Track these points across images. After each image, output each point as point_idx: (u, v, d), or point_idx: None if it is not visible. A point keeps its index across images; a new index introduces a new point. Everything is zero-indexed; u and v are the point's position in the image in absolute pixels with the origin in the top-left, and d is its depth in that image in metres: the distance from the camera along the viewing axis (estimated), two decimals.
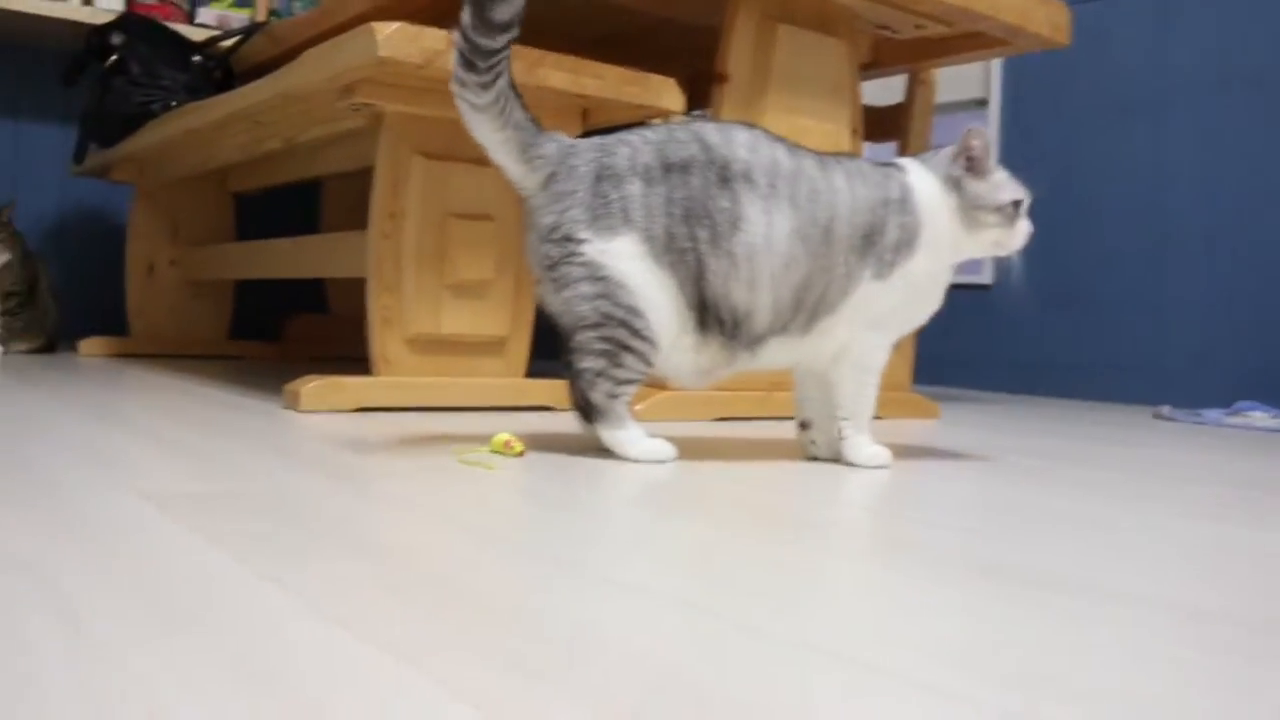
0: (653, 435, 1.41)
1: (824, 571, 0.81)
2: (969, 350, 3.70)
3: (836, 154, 1.46)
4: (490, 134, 1.36)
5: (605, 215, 1.34)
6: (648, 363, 1.37)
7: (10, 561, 0.71)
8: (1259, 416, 2.61)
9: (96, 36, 3.03)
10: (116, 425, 1.47)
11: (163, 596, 0.64)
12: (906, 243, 1.42)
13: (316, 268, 2.24)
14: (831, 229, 1.39)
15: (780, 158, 1.39)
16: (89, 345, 3.12)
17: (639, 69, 1.94)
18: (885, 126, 2.68)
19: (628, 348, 1.35)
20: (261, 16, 3.60)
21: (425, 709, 0.49)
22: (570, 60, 1.85)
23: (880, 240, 1.41)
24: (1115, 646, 0.64)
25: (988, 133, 1.45)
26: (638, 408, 1.53)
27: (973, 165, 1.44)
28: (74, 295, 3.50)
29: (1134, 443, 1.99)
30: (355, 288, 3.66)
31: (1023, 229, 1.46)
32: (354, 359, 3.48)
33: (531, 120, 1.37)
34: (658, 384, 1.96)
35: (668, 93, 1.96)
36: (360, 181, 3.50)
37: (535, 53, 1.80)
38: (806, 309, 1.40)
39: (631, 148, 1.37)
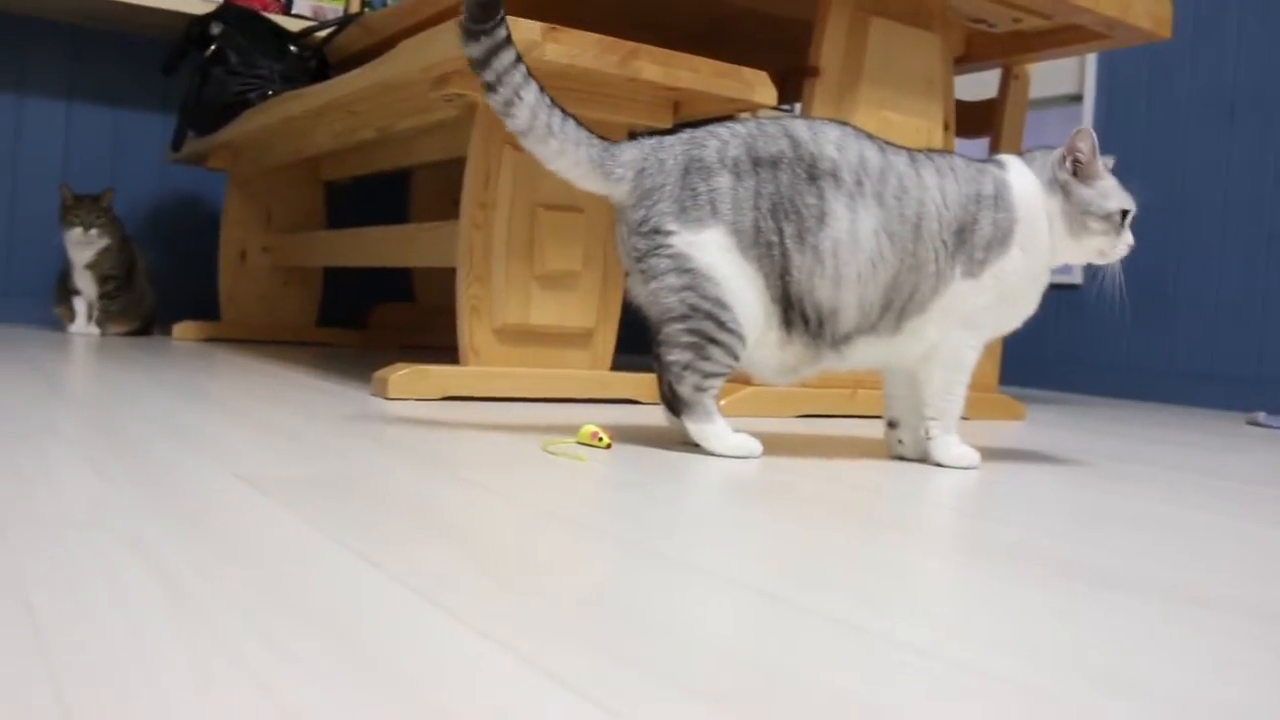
0: (737, 430, 1.41)
1: (911, 569, 0.80)
2: (1056, 351, 3.63)
3: (931, 151, 1.44)
4: (556, 157, 1.36)
5: (693, 207, 1.34)
6: (734, 356, 1.37)
7: (120, 539, 0.73)
8: None
9: (196, 26, 3.10)
10: (211, 408, 1.50)
11: (264, 577, 0.66)
12: (1000, 240, 1.40)
13: (406, 257, 2.27)
14: (921, 225, 1.37)
15: (869, 155, 1.38)
16: (182, 329, 3.19)
17: (731, 63, 1.93)
18: (977, 122, 2.64)
19: (714, 340, 1.34)
20: (355, 7, 3.65)
21: (523, 691, 0.49)
22: (663, 53, 1.85)
23: (972, 238, 1.39)
24: (1200, 651, 0.62)
25: (1095, 137, 1.42)
26: (721, 403, 1.53)
27: (1079, 169, 1.41)
28: (169, 280, 3.59)
29: (1226, 449, 1.94)
30: (440, 277, 3.70)
31: (1126, 239, 1.44)
32: (438, 348, 3.52)
33: (597, 137, 1.37)
34: (742, 379, 1.96)
35: (760, 86, 1.95)
36: (449, 172, 3.54)
37: (629, 45, 1.80)
38: (895, 308, 1.38)
39: (720, 141, 1.36)
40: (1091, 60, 3.55)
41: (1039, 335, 3.67)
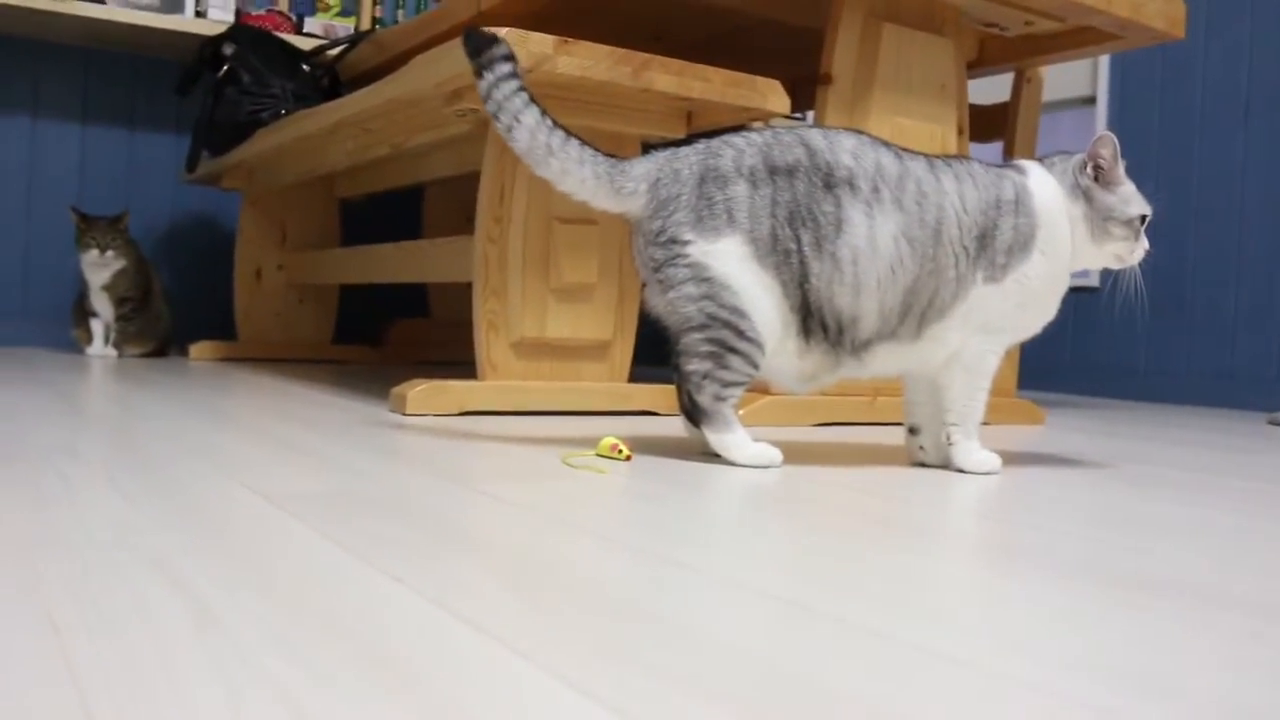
0: (756, 440, 1.40)
1: (934, 575, 0.79)
2: (1074, 355, 3.61)
3: (949, 156, 1.44)
4: (561, 178, 1.38)
5: (710, 217, 1.34)
6: (753, 364, 1.36)
7: (143, 558, 0.73)
8: None
9: (209, 47, 3.11)
10: (230, 427, 1.50)
11: (289, 594, 0.65)
12: (1021, 245, 1.39)
13: (421, 272, 2.27)
14: (940, 230, 1.37)
15: (885, 162, 1.37)
16: (199, 349, 3.20)
17: (743, 71, 1.93)
18: (991, 126, 2.64)
19: (733, 349, 1.34)
20: (366, 25, 3.66)
21: (551, 703, 0.48)
22: (676, 63, 1.84)
23: (993, 243, 1.38)
24: (1228, 654, 0.62)
25: (1117, 143, 1.42)
26: (740, 413, 1.52)
27: (1101, 174, 1.41)
28: (184, 301, 3.60)
29: (1248, 450, 1.92)
30: (455, 292, 3.70)
31: (1143, 244, 1.44)
32: (454, 363, 3.52)
33: (604, 154, 1.39)
34: (761, 389, 1.95)
35: (773, 95, 1.95)
36: (462, 186, 3.55)
37: (641, 56, 1.80)
38: (916, 314, 1.38)
39: (736, 150, 1.37)
40: (1105, 62, 3.54)
41: (1057, 339, 3.66)
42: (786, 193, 1.35)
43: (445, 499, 1.01)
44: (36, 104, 3.39)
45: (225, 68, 3.05)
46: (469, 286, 1.92)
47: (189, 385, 2.17)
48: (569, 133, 1.37)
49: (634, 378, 2.11)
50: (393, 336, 3.71)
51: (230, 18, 3.38)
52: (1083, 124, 3.60)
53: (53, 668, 0.51)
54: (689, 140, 1.43)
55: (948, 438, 1.44)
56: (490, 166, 1.91)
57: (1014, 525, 1.04)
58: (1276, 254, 3.10)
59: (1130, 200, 1.42)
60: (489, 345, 1.91)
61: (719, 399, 1.36)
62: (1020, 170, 1.43)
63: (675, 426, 1.82)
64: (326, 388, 2.27)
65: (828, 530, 0.96)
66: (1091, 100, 3.57)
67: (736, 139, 1.39)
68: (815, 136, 1.39)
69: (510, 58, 1.38)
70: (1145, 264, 1.44)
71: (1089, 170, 1.41)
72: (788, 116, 2.49)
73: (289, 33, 3.43)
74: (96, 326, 3.08)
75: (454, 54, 1.73)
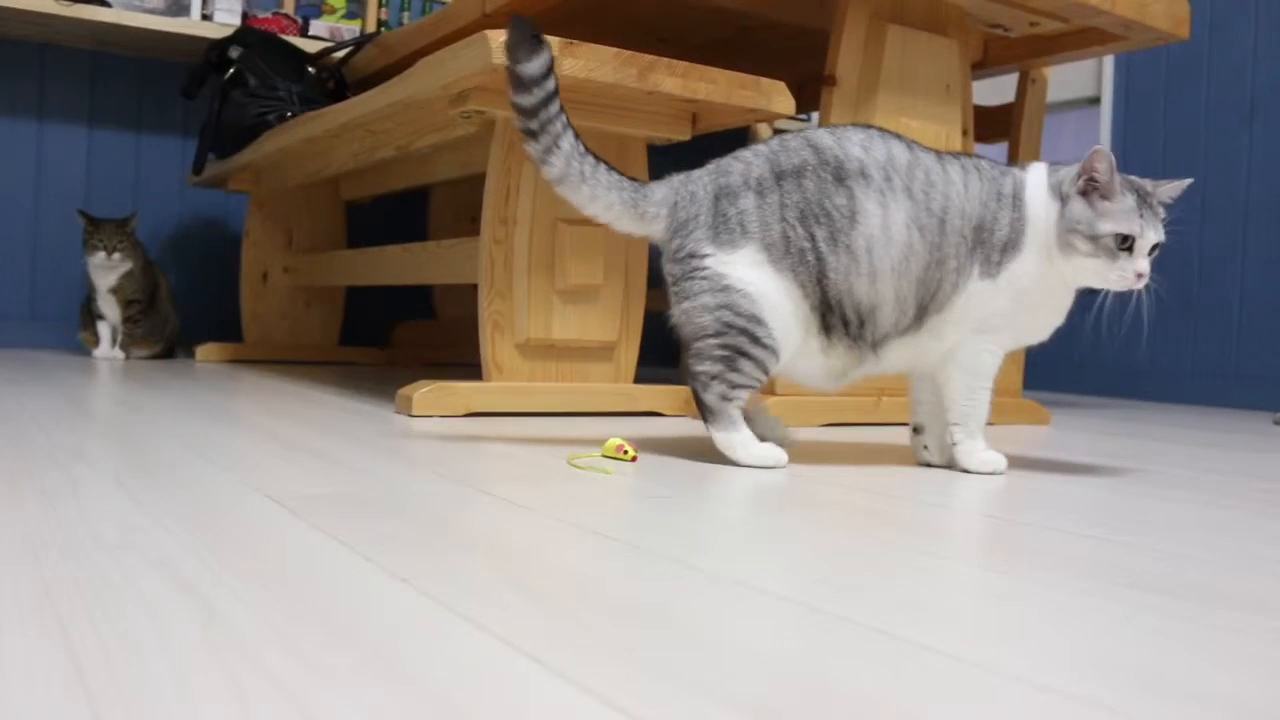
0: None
1: (944, 575, 0.79)
2: (1080, 355, 3.61)
3: (959, 153, 1.44)
4: (589, 203, 1.41)
5: (725, 231, 1.37)
6: (765, 370, 1.38)
7: (149, 558, 0.73)
8: None
9: (215, 50, 3.12)
10: (237, 428, 1.50)
11: (295, 595, 0.66)
12: (1014, 242, 1.38)
13: (428, 274, 2.27)
14: (946, 219, 1.37)
15: (896, 151, 1.39)
16: (205, 351, 3.21)
17: (748, 73, 1.93)
18: (996, 127, 2.64)
19: (746, 354, 1.36)
20: (371, 27, 3.67)
21: (557, 703, 0.49)
22: (682, 65, 1.85)
23: (990, 237, 1.38)
24: (1238, 653, 0.62)
25: (1113, 158, 1.37)
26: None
27: (1094, 186, 1.35)
28: (191, 303, 3.61)
29: (1254, 448, 1.92)
30: (461, 293, 3.71)
31: (1128, 268, 1.34)
32: (460, 364, 3.52)
33: (628, 179, 1.42)
34: (767, 390, 1.95)
35: (778, 96, 1.95)
36: (467, 188, 3.56)
37: (646, 58, 1.80)
38: (923, 304, 1.38)
39: (744, 164, 1.40)
40: (1109, 62, 3.54)
41: (1063, 340, 3.65)
42: (795, 194, 1.36)
43: (451, 500, 1.02)
44: (43, 108, 3.40)
45: (231, 71, 3.06)
46: (475, 288, 1.92)
47: (195, 387, 2.18)
48: (597, 157, 1.41)
49: (640, 379, 2.11)
50: (399, 338, 3.72)
51: (236, 21, 3.39)
52: (1088, 125, 3.59)
53: (60, 667, 0.51)
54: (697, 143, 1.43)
55: (951, 438, 1.44)
56: (495, 168, 1.91)
57: (1020, 525, 1.04)
58: None
59: (1109, 217, 1.33)
60: (494, 347, 1.91)
61: (725, 399, 1.38)
62: (1024, 168, 1.43)
63: (682, 427, 1.82)
64: (332, 389, 2.27)
65: (835, 531, 0.96)
66: (1096, 101, 3.57)
67: (745, 153, 1.42)
68: (822, 135, 1.40)
69: (552, 71, 1.37)
70: (1152, 262, 1.38)
71: (1081, 181, 1.35)
72: (793, 118, 2.49)
73: (294, 35, 3.44)
74: (103, 329, 3.09)
75: (460, 56, 1.73)
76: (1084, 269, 1.36)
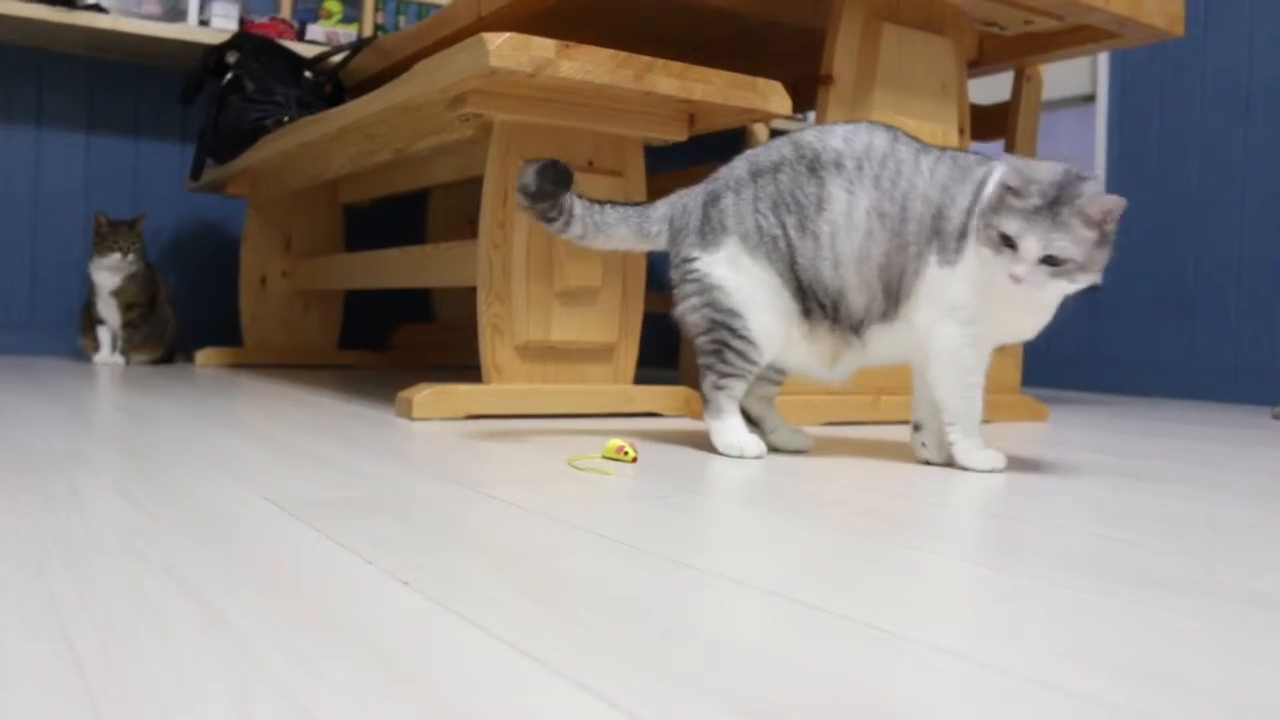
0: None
1: (942, 573, 0.79)
2: (1076, 351, 3.62)
3: (947, 147, 1.45)
4: (607, 243, 1.55)
5: (709, 232, 1.49)
6: (748, 360, 1.47)
7: (151, 563, 0.73)
8: None
9: (212, 55, 3.12)
10: (237, 433, 1.51)
11: (297, 599, 0.66)
12: (968, 230, 1.36)
13: (426, 277, 2.27)
14: (907, 206, 1.40)
15: (877, 142, 1.43)
16: (205, 356, 3.21)
17: (745, 73, 1.93)
18: (992, 125, 2.64)
19: (730, 347, 1.46)
20: (368, 31, 3.67)
21: (558, 703, 0.49)
22: (678, 66, 1.85)
23: (947, 225, 1.37)
24: (1241, 648, 0.62)
25: (1027, 170, 1.28)
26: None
27: (1008, 187, 1.29)
28: (190, 307, 3.61)
29: (1253, 443, 1.92)
30: (460, 296, 3.71)
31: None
32: (459, 367, 3.53)
33: (631, 206, 1.55)
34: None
35: (775, 96, 1.96)
36: (465, 191, 3.56)
37: (643, 59, 1.81)
38: (891, 291, 1.41)
39: (729, 168, 1.52)
40: (1104, 60, 3.54)
41: (1060, 336, 3.66)
42: (769, 187, 1.45)
43: (452, 502, 1.02)
44: (41, 114, 3.40)
45: (229, 76, 3.07)
46: (473, 291, 1.92)
47: (195, 391, 2.18)
48: (601, 202, 1.53)
49: (639, 380, 2.12)
50: (398, 341, 3.72)
51: (233, 26, 3.39)
52: (1083, 122, 3.60)
53: (63, 671, 0.52)
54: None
55: (948, 438, 1.44)
56: (493, 171, 1.92)
57: (1019, 522, 1.04)
58: (1277, 248, 3.10)
59: (1000, 213, 1.30)
60: (494, 349, 1.92)
61: (716, 388, 1.49)
62: (998, 160, 1.41)
63: (681, 427, 1.83)
64: (333, 393, 2.28)
65: (834, 529, 0.96)
66: (1091, 98, 3.58)
67: (735, 159, 1.53)
68: (806, 134, 1.49)
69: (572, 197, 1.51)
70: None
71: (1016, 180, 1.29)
72: (789, 117, 2.49)
73: (291, 40, 3.44)
74: (103, 334, 3.10)
75: (456, 59, 1.74)
76: (988, 260, 1.33)
